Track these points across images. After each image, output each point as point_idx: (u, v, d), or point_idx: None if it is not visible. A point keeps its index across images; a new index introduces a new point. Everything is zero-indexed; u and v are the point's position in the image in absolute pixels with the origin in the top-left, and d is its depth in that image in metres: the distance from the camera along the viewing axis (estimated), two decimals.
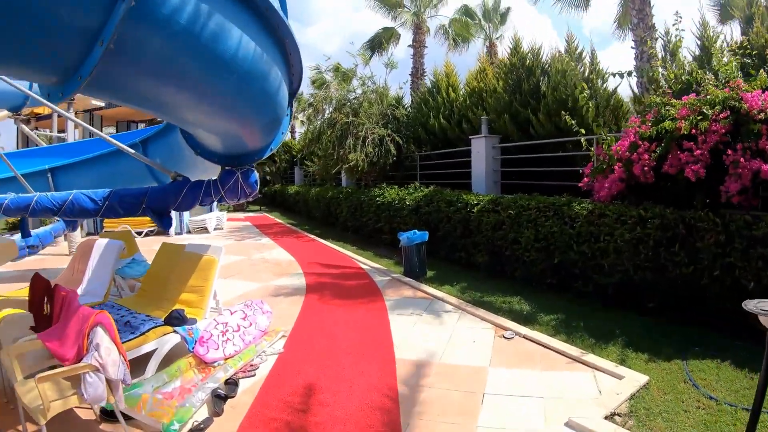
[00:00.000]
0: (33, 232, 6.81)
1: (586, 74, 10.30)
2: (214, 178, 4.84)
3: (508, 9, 25.93)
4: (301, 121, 22.12)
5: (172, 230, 17.18)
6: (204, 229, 17.68)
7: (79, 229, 13.67)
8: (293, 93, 4.73)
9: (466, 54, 26.30)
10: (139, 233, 17.22)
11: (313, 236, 14.68)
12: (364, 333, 5.57)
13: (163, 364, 4.23)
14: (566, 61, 10.34)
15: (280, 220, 21.24)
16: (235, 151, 4.81)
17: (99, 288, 6.23)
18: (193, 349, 4.41)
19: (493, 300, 6.74)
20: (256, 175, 4.89)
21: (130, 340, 4.18)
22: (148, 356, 4.23)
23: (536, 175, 10.07)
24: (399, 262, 9.58)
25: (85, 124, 6.00)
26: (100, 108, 20.10)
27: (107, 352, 3.01)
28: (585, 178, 7.15)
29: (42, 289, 4.16)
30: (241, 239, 15.21)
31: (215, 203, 20.64)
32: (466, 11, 23.94)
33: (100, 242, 6.84)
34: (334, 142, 14.54)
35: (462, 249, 9.10)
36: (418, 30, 21.93)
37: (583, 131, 7.43)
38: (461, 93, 14.22)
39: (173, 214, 16.17)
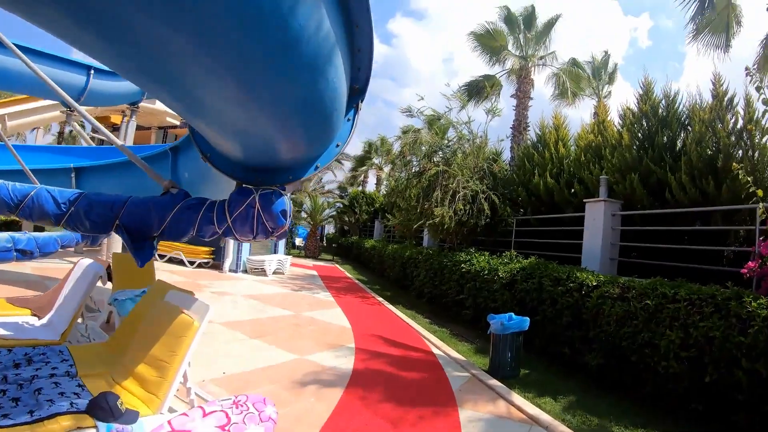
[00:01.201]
0: (31, 234, 5.79)
1: (739, 125, 8.25)
2: (223, 199, 3.39)
3: (616, 66, 24.62)
4: (388, 175, 20.72)
5: (226, 266, 16.41)
6: (262, 271, 16.67)
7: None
8: (359, 89, 3.37)
9: (572, 110, 24.65)
10: (192, 263, 16.86)
11: (381, 299, 12.99)
12: None
13: None
14: (715, 109, 8.39)
15: (350, 275, 19.83)
16: (262, 161, 3.42)
17: (60, 323, 4.99)
18: None
19: None
20: (286, 201, 3.34)
21: (17, 425, 2.63)
22: None
23: (666, 254, 8.18)
24: (482, 348, 7.76)
25: (101, 128, 4.60)
26: (175, 126, 19.72)
27: None
28: (750, 262, 5.40)
29: None
30: (298, 289, 13.86)
31: (276, 240, 18.40)
32: (575, 63, 22.22)
33: (82, 263, 5.70)
34: (419, 193, 13.02)
35: (567, 343, 7.08)
36: (523, 79, 20.39)
37: (761, 192, 5.55)
38: (572, 149, 12.47)
39: (230, 246, 15.04)
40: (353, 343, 7.76)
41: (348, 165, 44.00)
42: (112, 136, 4.31)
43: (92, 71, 10.84)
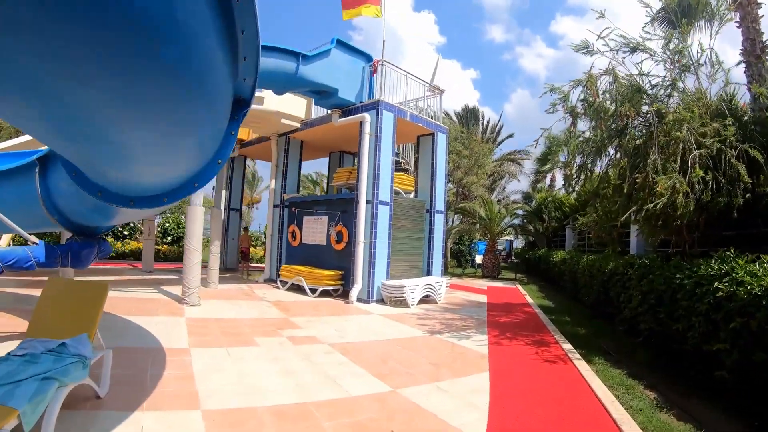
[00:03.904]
0: None
1: None
2: None
3: None
4: (571, 171, 15.25)
5: (353, 294, 13.01)
6: (402, 302, 12.84)
7: None
8: (245, 101, 3.55)
9: None
10: (313, 291, 13.86)
11: (568, 347, 8.24)
12: None
13: None
14: None
15: (530, 300, 15.17)
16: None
17: None
18: None
19: None
20: None
21: None
22: None
23: None
24: None
25: None
26: (296, 130, 16.81)
27: None
28: None
29: None
30: (439, 330, 9.55)
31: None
32: None
33: None
34: (623, 165, 8.29)
35: None
36: None
37: None
38: None
39: (359, 268, 13.38)
40: None
41: (530, 166, 39.01)
42: None
43: None
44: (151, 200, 3.91)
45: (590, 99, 8.49)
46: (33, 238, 6.35)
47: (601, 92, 8.48)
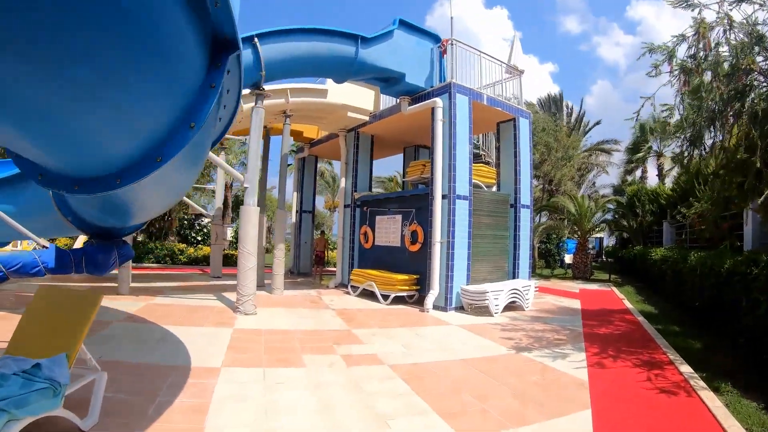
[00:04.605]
0: None
1: None
2: None
3: None
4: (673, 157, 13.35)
5: (428, 302, 11.70)
6: (484, 310, 11.42)
7: None
8: (229, 41, 2.81)
9: None
10: (385, 298, 12.84)
11: (687, 369, 6.66)
12: None
13: None
14: None
15: (629, 305, 13.37)
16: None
17: None
18: None
19: None
20: None
21: None
22: None
23: None
24: None
25: None
26: (365, 123, 15.77)
27: None
28: None
29: None
30: (526, 345, 8.06)
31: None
32: None
33: None
34: (753, 135, 6.60)
35: None
36: None
37: None
38: None
39: (436, 272, 12.12)
40: None
41: (619, 157, 36.62)
42: None
43: None
44: (101, 183, 2.90)
45: (701, 53, 6.90)
46: (43, 242, 5.73)
47: (713, 44, 6.88)
